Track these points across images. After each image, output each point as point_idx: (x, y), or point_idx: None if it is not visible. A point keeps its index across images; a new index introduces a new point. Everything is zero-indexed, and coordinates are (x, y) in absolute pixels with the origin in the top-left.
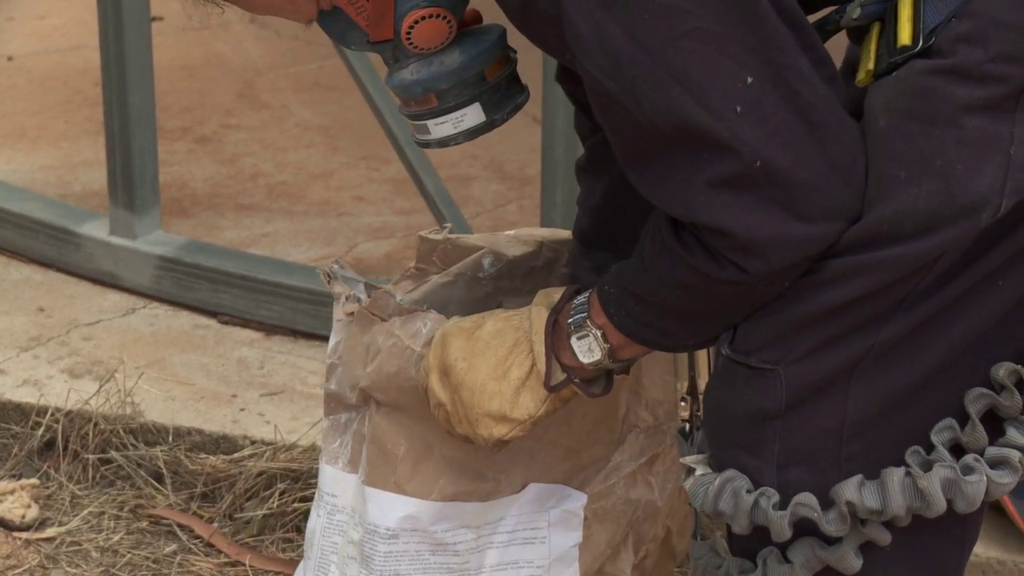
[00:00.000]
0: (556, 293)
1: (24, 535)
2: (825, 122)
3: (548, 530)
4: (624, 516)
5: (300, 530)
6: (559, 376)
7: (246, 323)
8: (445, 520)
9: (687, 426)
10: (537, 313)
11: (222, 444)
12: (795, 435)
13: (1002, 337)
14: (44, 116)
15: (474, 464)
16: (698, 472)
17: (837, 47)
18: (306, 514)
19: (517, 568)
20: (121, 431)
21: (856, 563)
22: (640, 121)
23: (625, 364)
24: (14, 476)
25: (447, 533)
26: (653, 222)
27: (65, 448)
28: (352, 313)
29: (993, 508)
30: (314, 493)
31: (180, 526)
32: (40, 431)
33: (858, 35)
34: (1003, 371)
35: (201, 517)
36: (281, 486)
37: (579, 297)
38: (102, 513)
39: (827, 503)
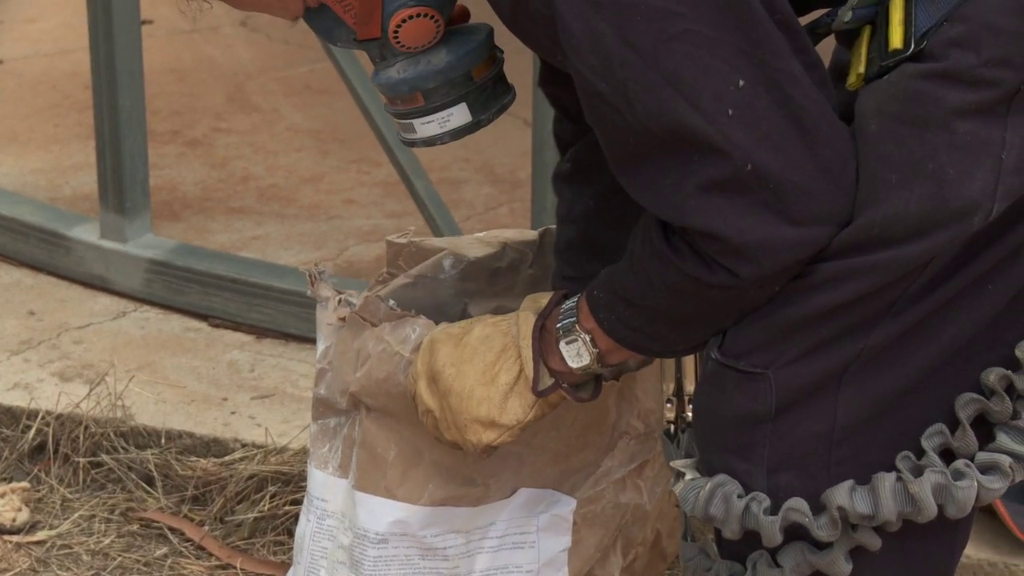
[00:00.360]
0: (543, 298)
1: (15, 538)
2: (816, 126)
3: (537, 535)
4: (613, 520)
5: (291, 533)
6: (547, 381)
7: (237, 326)
8: (435, 525)
9: (672, 427)
10: (524, 318)
11: (213, 447)
12: (785, 439)
13: (991, 341)
14: (34, 120)
15: (463, 469)
16: (688, 476)
17: (825, 50)
18: (297, 517)
19: (507, 573)
20: (112, 434)
21: (846, 568)
22: (631, 123)
23: (614, 369)
24: (5, 479)
25: (437, 538)
26: (642, 226)
27: (56, 451)
28: (343, 318)
29: (984, 510)
30: (305, 496)
31: (171, 529)
32: (31, 434)
33: (848, 39)
34: (993, 376)
35: (192, 520)
36: (272, 489)
37: (567, 302)
38: (93, 516)
39: (817, 507)
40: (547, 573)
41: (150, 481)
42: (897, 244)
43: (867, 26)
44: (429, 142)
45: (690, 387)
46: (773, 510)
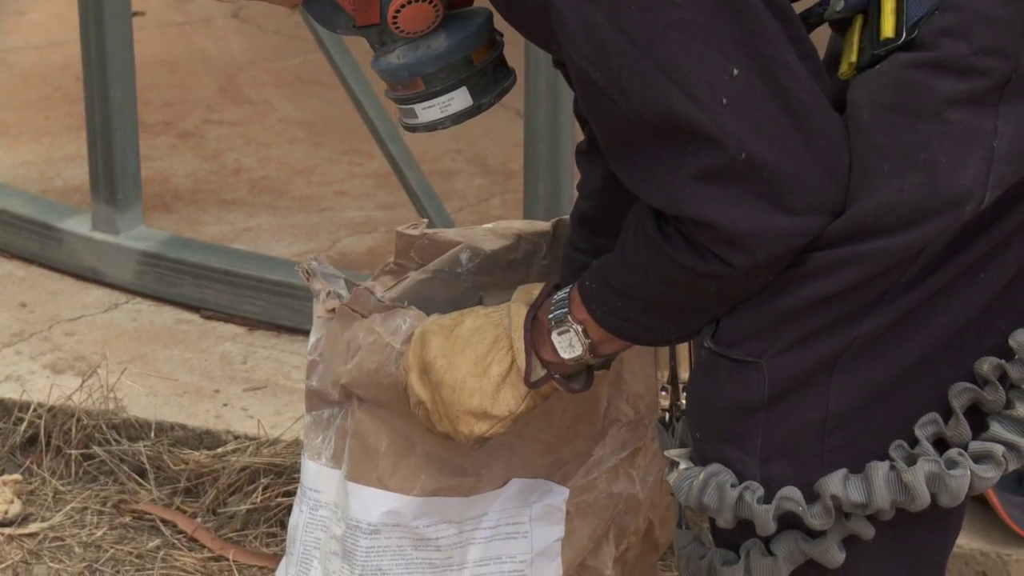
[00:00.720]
0: (535, 289)
1: (7, 531)
2: (810, 116)
3: (530, 525)
4: (606, 510)
5: (283, 525)
6: (539, 372)
7: (229, 318)
8: (427, 515)
9: (667, 415)
10: (516, 310)
11: (205, 439)
12: (778, 428)
13: (984, 330)
14: (25, 112)
15: (455, 459)
16: (681, 466)
17: (820, 38)
18: (290, 509)
19: (500, 563)
20: (104, 426)
21: (839, 556)
22: (626, 112)
23: (606, 359)
24: None
25: (429, 528)
26: (635, 216)
27: (48, 444)
28: (333, 310)
29: (977, 500)
30: (297, 488)
31: (163, 521)
32: (23, 427)
33: (841, 27)
34: (987, 366)
35: (184, 512)
36: (264, 481)
37: (559, 293)
38: (85, 508)
39: (810, 496)
40: (540, 563)
41: (142, 473)
42: (889, 233)
43: (859, 15)
44: (431, 127)
45: (684, 374)
46: (767, 499)
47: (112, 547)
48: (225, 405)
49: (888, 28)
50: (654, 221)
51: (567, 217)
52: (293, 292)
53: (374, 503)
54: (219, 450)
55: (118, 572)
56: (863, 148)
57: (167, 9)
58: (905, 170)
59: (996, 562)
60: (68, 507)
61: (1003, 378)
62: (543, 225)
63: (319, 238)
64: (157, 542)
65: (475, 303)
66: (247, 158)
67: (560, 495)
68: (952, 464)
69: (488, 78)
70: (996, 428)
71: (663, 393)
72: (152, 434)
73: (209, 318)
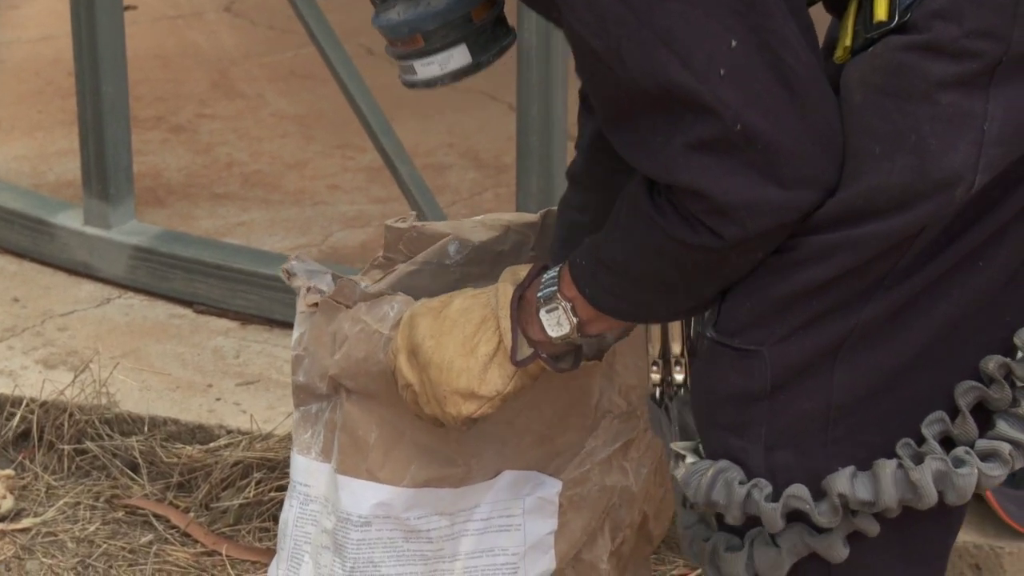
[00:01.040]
0: (522, 270)
1: None
2: (807, 90)
3: (523, 517)
4: (600, 503)
5: (277, 519)
6: (526, 351)
7: (222, 312)
8: (418, 507)
9: (657, 391)
10: (503, 289)
11: (198, 434)
12: (781, 417)
13: (989, 324)
14: (17, 106)
15: (445, 450)
16: (688, 460)
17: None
18: (282, 503)
19: (492, 555)
20: (96, 421)
21: (844, 552)
22: (623, 81)
23: (595, 341)
24: None
25: (420, 520)
26: (629, 190)
27: (40, 439)
28: (315, 304)
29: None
30: (289, 483)
31: (156, 516)
32: (15, 422)
33: (837, 10)
34: (993, 364)
35: (177, 507)
36: (257, 475)
37: (549, 272)
38: (78, 503)
39: (816, 485)
40: (533, 556)
41: (135, 468)
42: (880, 217)
43: None
44: (429, 83)
45: (676, 348)
46: (774, 495)
47: (105, 542)
48: (218, 400)
49: (881, 11)
50: (647, 193)
51: (556, 208)
52: (286, 286)
53: (364, 495)
54: (212, 445)
55: (111, 567)
56: (855, 130)
57: (159, 3)
58: (895, 152)
59: (989, 555)
60: (61, 502)
61: (1009, 376)
62: (532, 217)
63: (312, 232)
64: (150, 537)
65: None
66: (239, 152)
67: (553, 488)
68: (959, 462)
69: (487, 36)
70: (1003, 426)
71: (654, 368)
72: (145, 429)
73: (202, 312)
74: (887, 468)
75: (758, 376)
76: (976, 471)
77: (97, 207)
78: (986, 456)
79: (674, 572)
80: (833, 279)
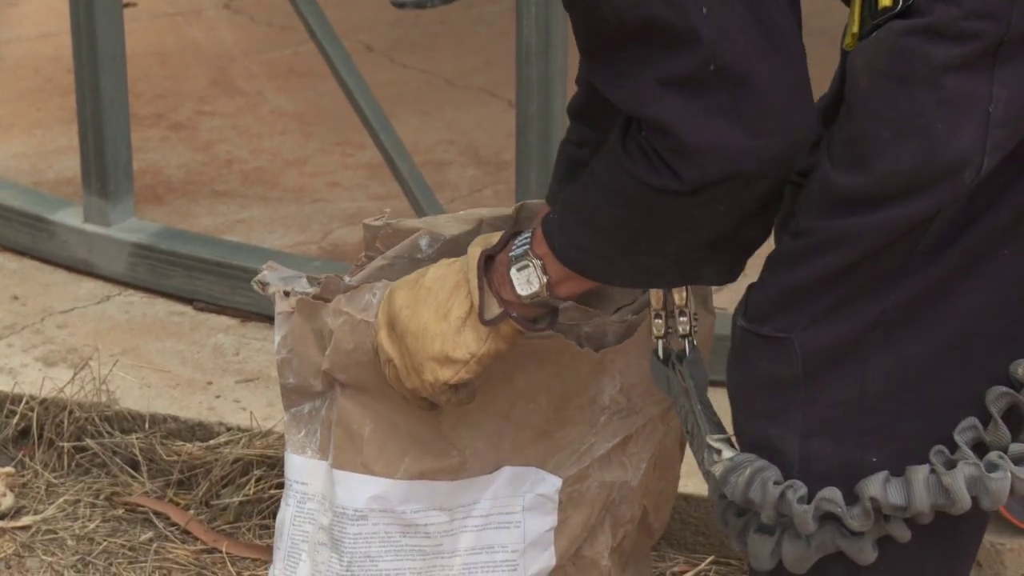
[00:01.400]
0: (494, 237)
1: None
2: (785, 44)
3: (523, 514)
4: (599, 499)
5: (276, 516)
6: (495, 310)
7: (221, 310)
8: (414, 500)
9: (660, 344)
10: (472, 252)
11: (198, 431)
12: (816, 404)
13: (1019, 320)
14: (17, 104)
15: (438, 441)
16: (725, 454)
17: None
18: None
19: (492, 552)
20: (96, 419)
21: (872, 555)
22: (606, 13)
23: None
24: None
25: (417, 514)
26: (607, 145)
27: (40, 436)
28: (293, 307)
29: None
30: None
31: (156, 513)
32: (15, 419)
33: None
34: (1022, 370)
35: (177, 504)
36: (257, 473)
37: (523, 234)
38: (78, 501)
39: (847, 480)
40: (533, 553)
41: (135, 465)
42: (892, 202)
43: None
44: (420, 3)
45: (679, 299)
46: (808, 497)
47: (105, 540)
48: (218, 397)
49: None
50: (620, 136)
51: (530, 201)
52: None
53: (359, 488)
54: (212, 442)
55: (111, 565)
56: (862, 115)
57: (158, 0)
58: (903, 137)
59: (990, 551)
60: (61, 500)
61: None
62: (506, 210)
63: (311, 229)
64: (150, 534)
65: None
66: (239, 149)
67: (552, 485)
68: (992, 467)
69: None
70: None
71: (657, 321)
72: (145, 426)
73: (202, 310)
74: (919, 473)
75: (789, 363)
76: (1009, 475)
77: (97, 204)
78: (1020, 460)
79: (674, 569)
80: (852, 265)
